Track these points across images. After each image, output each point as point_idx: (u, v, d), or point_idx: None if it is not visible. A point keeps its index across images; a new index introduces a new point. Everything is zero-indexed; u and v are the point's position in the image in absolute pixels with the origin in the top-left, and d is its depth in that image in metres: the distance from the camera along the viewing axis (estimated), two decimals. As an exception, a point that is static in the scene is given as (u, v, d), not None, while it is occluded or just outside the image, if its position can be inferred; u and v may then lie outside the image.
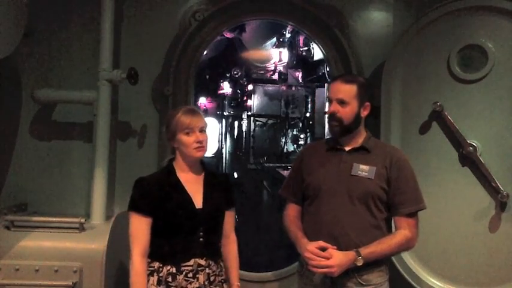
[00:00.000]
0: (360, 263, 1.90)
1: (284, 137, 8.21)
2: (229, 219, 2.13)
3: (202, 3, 3.11)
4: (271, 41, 7.20)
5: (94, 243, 2.52)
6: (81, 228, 2.57)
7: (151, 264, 1.96)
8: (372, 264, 2.00)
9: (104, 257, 2.49)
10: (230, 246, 2.15)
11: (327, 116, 2.10)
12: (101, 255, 2.49)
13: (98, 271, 2.47)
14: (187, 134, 1.95)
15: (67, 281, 2.45)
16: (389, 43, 3.01)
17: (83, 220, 2.56)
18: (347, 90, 2.04)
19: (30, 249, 2.50)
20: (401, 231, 2.02)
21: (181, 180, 2.00)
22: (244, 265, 3.40)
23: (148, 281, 1.92)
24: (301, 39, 6.65)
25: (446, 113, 2.66)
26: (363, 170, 2.02)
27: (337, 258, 1.88)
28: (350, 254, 1.90)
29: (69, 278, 2.46)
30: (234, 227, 2.19)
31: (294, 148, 8.05)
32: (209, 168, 2.11)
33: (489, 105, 2.61)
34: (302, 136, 7.86)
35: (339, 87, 2.06)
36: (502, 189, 2.55)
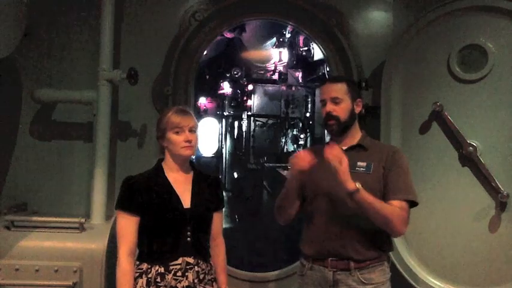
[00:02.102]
0: (359, 185, 1.88)
1: (284, 137, 8.21)
2: (218, 220, 2.13)
3: (202, 3, 3.11)
4: (271, 41, 7.20)
5: (94, 243, 2.53)
6: (81, 228, 2.57)
7: (140, 266, 1.95)
8: (374, 262, 2.01)
9: (104, 257, 2.49)
10: (218, 249, 2.14)
11: (323, 117, 2.13)
12: (101, 255, 2.49)
13: (98, 271, 2.48)
14: (177, 133, 1.96)
15: (67, 281, 2.46)
16: (389, 43, 3.01)
17: (83, 220, 2.56)
18: (338, 88, 2.10)
19: (30, 249, 2.50)
20: (396, 208, 1.97)
21: (169, 179, 2.01)
22: (244, 265, 3.42)
23: (137, 283, 1.91)
24: (301, 39, 6.65)
25: (446, 113, 2.66)
26: (361, 166, 2.05)
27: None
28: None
29: (69, 278, 2.46)
30: (222, 229, 2.18)
31: (294, 148, 8.04)
32: (198, 169, 2.12)
33: (489, 105, 2.61)
34: (302, 136, 7.85)
35: (330, 87, 2.12)
36: (502, 189, 2.55)
